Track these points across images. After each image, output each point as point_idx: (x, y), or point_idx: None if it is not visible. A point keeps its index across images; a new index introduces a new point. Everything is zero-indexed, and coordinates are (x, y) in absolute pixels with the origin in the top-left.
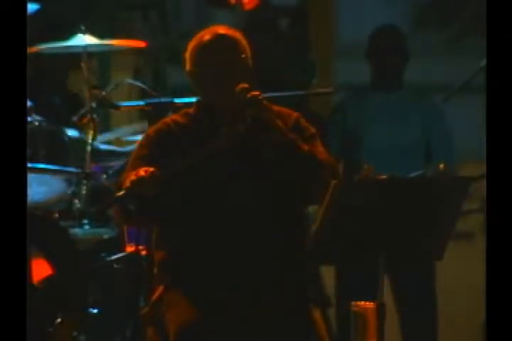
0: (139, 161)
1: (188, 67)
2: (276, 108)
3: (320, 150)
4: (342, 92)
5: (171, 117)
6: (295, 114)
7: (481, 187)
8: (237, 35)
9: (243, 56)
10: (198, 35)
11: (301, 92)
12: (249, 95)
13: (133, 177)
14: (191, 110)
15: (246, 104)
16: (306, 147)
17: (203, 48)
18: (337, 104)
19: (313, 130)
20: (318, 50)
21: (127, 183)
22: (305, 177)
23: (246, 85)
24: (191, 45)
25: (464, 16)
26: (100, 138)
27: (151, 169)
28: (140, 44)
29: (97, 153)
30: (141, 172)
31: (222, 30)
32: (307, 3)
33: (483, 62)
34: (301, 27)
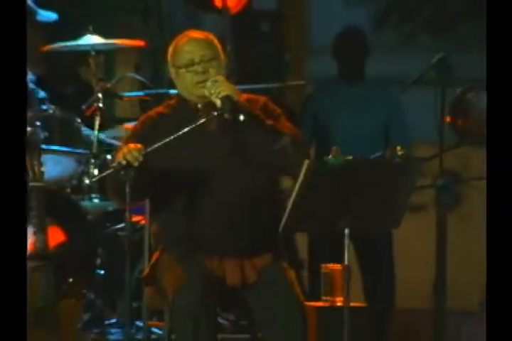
0: (132, 138)
1: (169, 68)
2: (246, 96)
3: (285, 124)
4: (313, 85)
5: (157, 109)
6: (263, 99)
7: (432, 166)
8: (209, 36)
9: (216, 54)
10: (174, 40)
11: (277, 85)
12: (222, 92)
13: (125, 149)
14: (172, 102)
15: (220, 99)
16: (270, 121)
17: (177, 51)
18: (308, 95)
19: (279, 110)
20: (293, 48)
21: (119, 155)
22: (271, 147)
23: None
24: (170, 50)
25: (418, 18)
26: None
27: (139, 145)
28: (140, 43)
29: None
30: (131, 145)
31: (194, 34)
32: (284, 8)
33: (435, 59)
34: (278, 28)
